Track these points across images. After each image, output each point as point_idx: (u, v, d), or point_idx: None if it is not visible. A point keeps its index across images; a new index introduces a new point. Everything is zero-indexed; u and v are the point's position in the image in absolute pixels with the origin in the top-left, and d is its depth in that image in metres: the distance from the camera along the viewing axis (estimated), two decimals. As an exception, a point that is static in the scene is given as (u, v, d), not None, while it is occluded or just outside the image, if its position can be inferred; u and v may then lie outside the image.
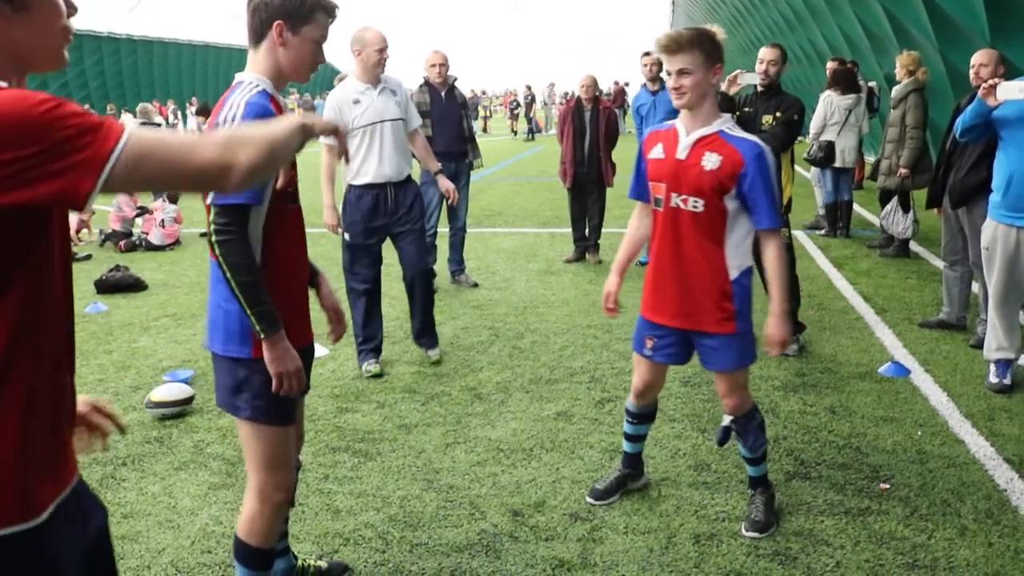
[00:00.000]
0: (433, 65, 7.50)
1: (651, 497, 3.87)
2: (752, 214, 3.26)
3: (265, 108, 2.51)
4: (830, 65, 10.69)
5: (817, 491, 3.89)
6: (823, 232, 10.26)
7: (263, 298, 2.49)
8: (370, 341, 5.72)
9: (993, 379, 5.09)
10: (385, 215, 5.50)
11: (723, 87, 5.66)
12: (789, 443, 4.40)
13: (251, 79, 2.60)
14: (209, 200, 2.49)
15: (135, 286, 8.23)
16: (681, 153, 3.27)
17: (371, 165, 5.42)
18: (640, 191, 3.53)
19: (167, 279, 8.77)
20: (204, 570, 3.38)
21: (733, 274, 3.32)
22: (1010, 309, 5.05)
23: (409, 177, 5.63)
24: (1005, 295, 5.01)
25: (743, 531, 3.53)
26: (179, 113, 36.52)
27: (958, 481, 3.96)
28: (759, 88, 5.77)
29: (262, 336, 2.52)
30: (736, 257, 3.33)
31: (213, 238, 2.49)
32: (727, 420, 3.59)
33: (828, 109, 9.74)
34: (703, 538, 3.52)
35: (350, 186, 5.53)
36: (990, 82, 4.60)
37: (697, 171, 3.23)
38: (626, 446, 3.89)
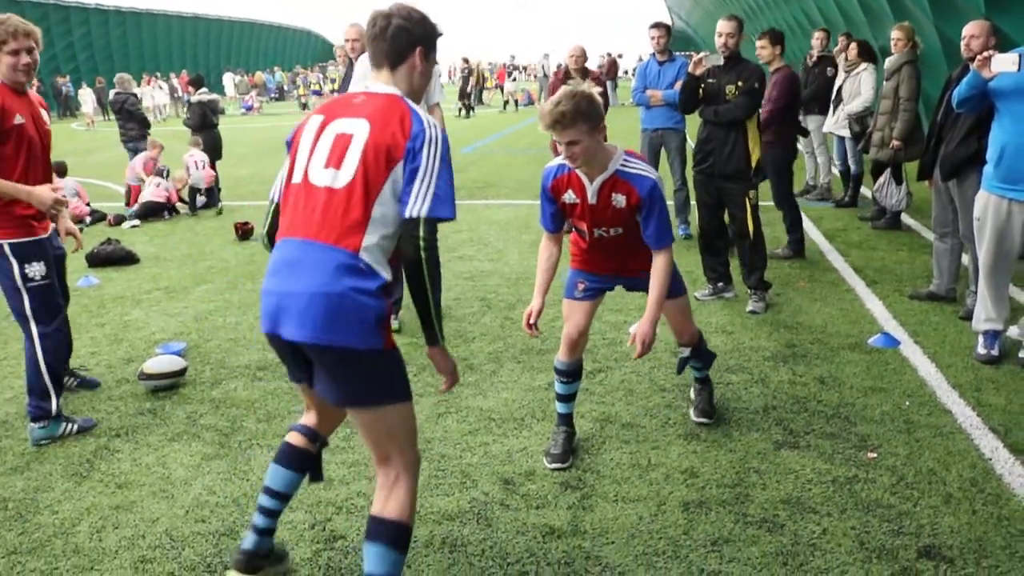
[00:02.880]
0: (347, 40, 6.98)
1: (641, 466, 3.91)
2: (644, 233, 3.62)
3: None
4: (844, 42, 10.54)
5: (805, 460, 3.94)
6: (834, 203, 10.25)
7: (440, 306, 2.70)
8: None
9: (981, 350, 5.13)
10: None
11: (689, 68, 6.25)
12: (778, 413, 4.44)
13: (409, 103, 2.68)
14: (417, 213, 2.53)
15: (127, 259, 8.23)
16: (592, 199, 3.63)
17: None
18: (551, 225, 3.83)
19: (159, 252, 8.76)
20: (198, 539, 3.41)
21: None
22: (999, 280, 5.08)
23: None
24: (995, 266, 5.04)
25: (692, 416, 4.36)
26: (165, 86, 36.06)
27: (944, 450, 4.00)
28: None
29: (439, 342, 2.73)
30: None
31: (423, 249, 2.55)
32: (684, 352, 4.23)
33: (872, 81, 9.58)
34: (692, 506, 3.56)
35: None
36: (984, 54, 4.61)
37: (610, 211, 3.64)
38: (560, 407, 4.11)
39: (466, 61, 33.95)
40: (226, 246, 8.99)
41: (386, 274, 2.59)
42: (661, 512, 3.52)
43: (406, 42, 2.68)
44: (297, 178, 2.66)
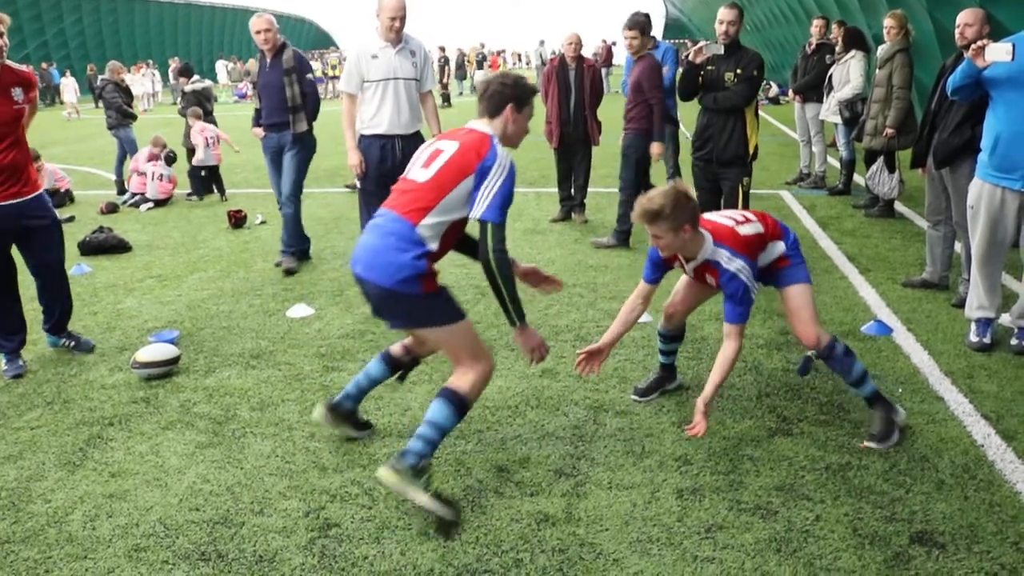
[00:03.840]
0: (258, 32, 6.95)
1: (635, 453, 3.92)
2: (725, 306, 3.91)
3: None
4: (837, 30, 10.54)
5: (799, 447, 3.95)
6: (828, 191, 10.27)
7: (518, 296, 3.49)
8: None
9: (973, 338, 5.15)
10: (392, 165, 5.83)
11: (691, 56, 6.32)
12: (772, 400, 4.45)
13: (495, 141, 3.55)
14: (480, 216, 3.39)
15: (119, 247, 8.19)
16: (689, 273, 4.12)
17: (382, 117, 5.80)
18: (651, 275, 4.16)
19: (151, 240, 8.73)
20: (192, 527, 3.41)
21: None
22: (992, 269, 5.09)
23: (418, 133, 5.99)
24: (987, 254, 5.05)
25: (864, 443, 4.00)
26: (157, 74, 35.80)
27: (936, 437, 4.02)
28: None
29: (516, 324, 3.53)
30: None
31: (491, 251, 3.38)
32: (809, 352, 4.19)
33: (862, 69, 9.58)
34: (686, 493, 3.57)
35: (361, 136, 5.91)
36: (979, 43, 4.61)
37: (702, 282, 4.12)
38: (660, 357, 4.59)
39: (442, 50, 33.80)
40: (219, 234, 8.96)
41: (432, 245, 3.43)
42: (655, 499, 3.53)
43: (500, 101, 3.58)
44: (407, 173, 3.62)
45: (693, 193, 3.81)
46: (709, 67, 6.31)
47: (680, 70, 7.08)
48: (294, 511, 3.51)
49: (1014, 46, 4.48)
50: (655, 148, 7.58)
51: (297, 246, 7.34)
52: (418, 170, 3.55)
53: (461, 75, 35.83)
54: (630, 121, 7.69)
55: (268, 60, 7.04)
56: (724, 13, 6.26)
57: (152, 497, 3.65)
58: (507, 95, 3.58)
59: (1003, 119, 4.80)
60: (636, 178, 7.79)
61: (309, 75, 7.11)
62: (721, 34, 6.26)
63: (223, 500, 3.61)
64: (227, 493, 3.67)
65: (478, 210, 3.40)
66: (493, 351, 5.19)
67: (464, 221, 3.52)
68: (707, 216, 4.03)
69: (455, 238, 3.58)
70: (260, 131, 7.30)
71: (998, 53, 4.49)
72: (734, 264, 3.81)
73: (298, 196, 7.26)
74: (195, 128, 11.19)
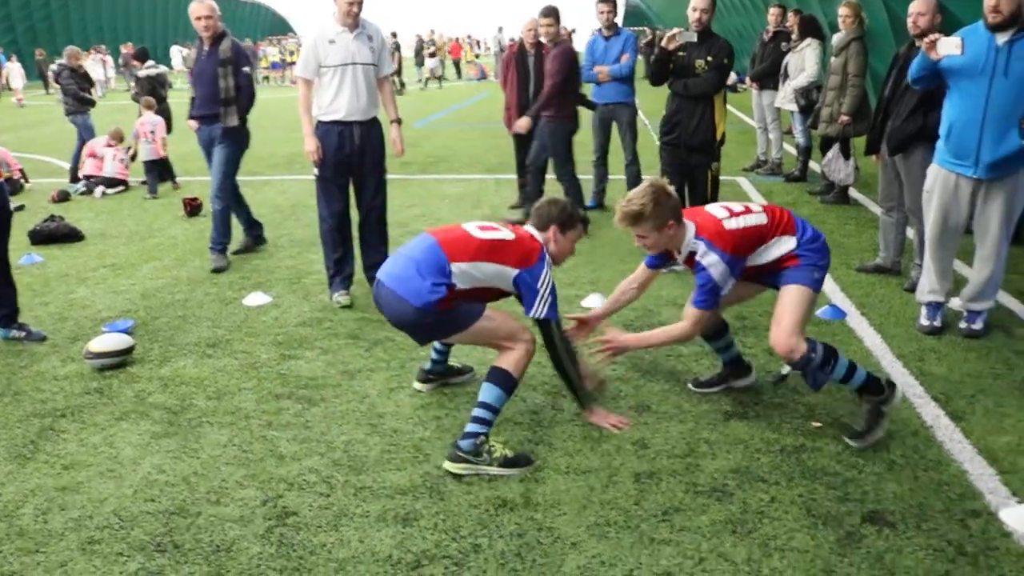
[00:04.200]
0: (198, 18, 6.74)
1: (593, 438, 3.94)
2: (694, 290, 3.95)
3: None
4: (795, 19, 10.60)
5: (754, 430, 4.00)
6: (784, 178, 10.36)
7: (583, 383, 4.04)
8: (341, 273, 6.00)
9: (924, 321, 5.25)
10: (351, 152, 5.79)
11: (663, 43, 6.41)
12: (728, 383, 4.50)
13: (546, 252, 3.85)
14: (539, 315, 3.74)
15: (71, 236, 8.05)
16: (682, 264, 4.08)
17: (340, 103, 5.71)
18: (654, 261, 4.25)
19: (104, 229, 8.59)
20: (147, 518, 3.37)
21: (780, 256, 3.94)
22: (944, 254, 5.18)
23: (375, 119, 5.91)
24: (940, 239, 5.14)
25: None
26: (109, 59, 35.06)
27: (888, 419, 4.08)
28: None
29: (587, 407, 4.06)
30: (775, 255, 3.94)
31: (551, 347, 3.82)
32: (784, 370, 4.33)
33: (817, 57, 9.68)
34: (643, 476, 3.60)
35: (319, 122, 5.80)
36: (931, 38, 4.74)
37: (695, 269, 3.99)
38: (718, 356, 4.52)
39: (394, 35, 33.60)
40: (175, 222, 8.84)
41: (458, 284, 3.68)
42: (612, 483, 3.56)
43: (546, 220, 3.93)
44: (464, 224, 3.93)
45: (670, 187, 3.84)
46: (680, 53, 6.39)
47: (640, 58, 7.18)
48: (251, 500, 3.48)
49: (963, 40, 4.63)
50: (521, 122, 7.91)
51: (226, 242, 7.13)
52: (473, 227, 3.86)
53: (419, 62, 35.61)
54: (546, 109, 7.85)
55: (206, 48, 6.83)
56: (697, 1, 6.33)
57: (106, 489, 3.60)
58: (552, 216, 3.92)
59: (957, 107, 4.89)
60: (570, 163, 7.96)
61: (246, 68, 6.92)
62: (694, 22, 6.35)
63: (179, 490, 3.58)
64: (183, 483, 3.63)
65: (539, 311, 3.72)
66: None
67: (491, 294, 3.84)
68: (706, 208, 4.02)
69: (484, 297, 3.84)
70: (194, 123, 7.10)
71: (949, 47, 4.65)
72: (707, 258, 3.79)
73: (227, 192, 7.06)
74: (137, 121, 10.99)
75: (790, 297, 3.80)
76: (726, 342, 4.41)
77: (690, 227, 3.87)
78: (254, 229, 7.54)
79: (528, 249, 3.79)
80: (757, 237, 3.85)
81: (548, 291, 3.73)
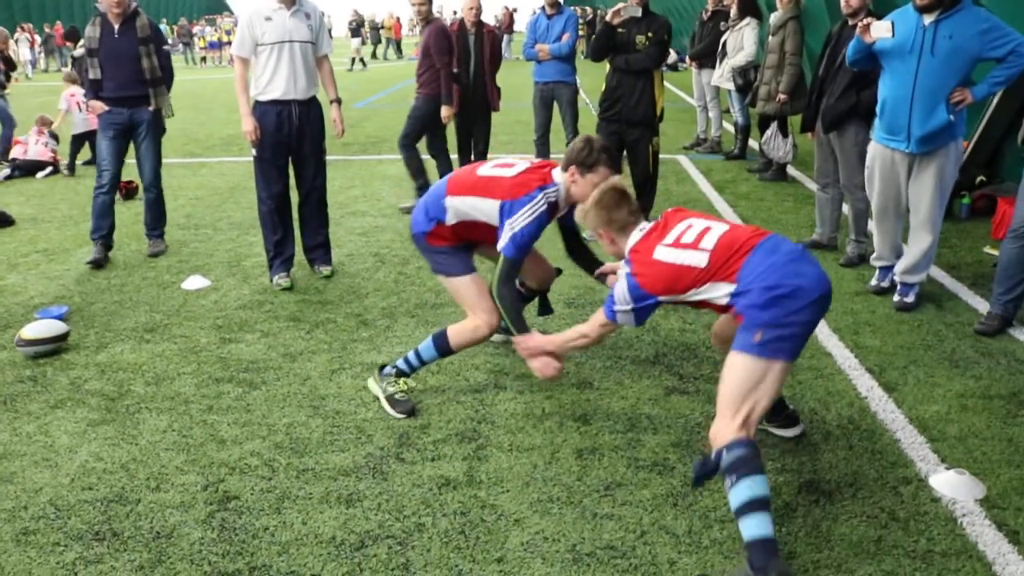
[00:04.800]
0: None
1: (535, 415, 3.97)
2: None
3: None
4: None
5: (695, 404, 4.06)
6: (724, 156, 10.47)
7: (521, 320, 3.88)
8: (281, 255, 5.91)
9: (873, 282, 5.61)
10: (289, 132, 5.70)
11: (608, 18, 6.47)
12: (669, 360, 4.55)
13: (556, 188, 3.84)
14: (499, 248, 3.80)
15: (1, 221, 7.82)
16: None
17: (277, 82, 5.62)
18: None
19: (36, 213, 8.36)
20: (85, 507, 3.31)
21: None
22: (888, 222, 5.42)
23: (314, 98, 5.82)
24: (883, 209, 5.37)
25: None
26: (35, 40, 33.85)
27: (824, 391, 4.19)
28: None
29: (515, 334, 3.86)
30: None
31: (497, 286, 3.84)
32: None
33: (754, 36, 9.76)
34: (585, 452, 3.64)
35: (256, 102, 5.69)
36: (864, 21, 4.92)
37: None
38: None
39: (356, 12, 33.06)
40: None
41: (447, 219, 3.92)
42: (555, 459, 3.59)
43: (567, 160, 3.80)
44: (487, 162, 4.08)
45: (624, 193, 3.43)
46: (621, 30, 6.47)
47: (581, 36, 7.21)
48: (192, 485, 3.44)
49: (893, 24, 4.81)
50: (444, 111, 7.87)
51: (163, 227, 6.96)
52: (488, 164, 4.00)
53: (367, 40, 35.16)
54: (421, 86, 7.93)
55: (116, 26, 6.33)
56: None
57: (41, 478, 3.53)
58: (571, 156, 3.78)
59: (889, 86, 5.07)
60: (419, 138, 8.11)
61: (166, 46, 6.68)
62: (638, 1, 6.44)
63: (117, 478, 3.52)
64: (122, 470, 3.57)
65: (502, 243, 3.76)
66: (394, 318, 5.17)
67: (482, 232, 3.93)
68: (669, 220, 3.35)
69: (475, 234, 3.97)
70: (100, 105, 6.46)
71: (881, 30, 4.84)
72: (619, 284, 3.31)
73: (160, 177, 6.83)
74: (65, 93, 10.67)
75: (726, 369, 3.04)
76: None
77: (630, 242, 3.36)
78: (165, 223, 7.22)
79: (519, 183, 3.79)
80: (686, 278, 3.16)
81: (520, 227, 3.72)
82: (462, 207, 3.88)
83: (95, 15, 6.42)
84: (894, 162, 5.15)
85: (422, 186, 8.01)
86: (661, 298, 3.24)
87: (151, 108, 6.50)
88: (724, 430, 2.90)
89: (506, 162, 4.00)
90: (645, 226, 3.38)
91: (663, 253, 3.20)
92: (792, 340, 2.98)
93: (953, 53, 4.77)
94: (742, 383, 2.95)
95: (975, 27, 4.73)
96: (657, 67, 6.53)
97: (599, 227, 3.43)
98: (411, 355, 4.09)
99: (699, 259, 3.13)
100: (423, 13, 7.90)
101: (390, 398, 4.03)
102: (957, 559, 2.92)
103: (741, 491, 2.74)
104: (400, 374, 4.08)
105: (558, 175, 3.85)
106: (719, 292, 3.11)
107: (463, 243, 4.05)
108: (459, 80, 8.45)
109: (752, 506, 2.72)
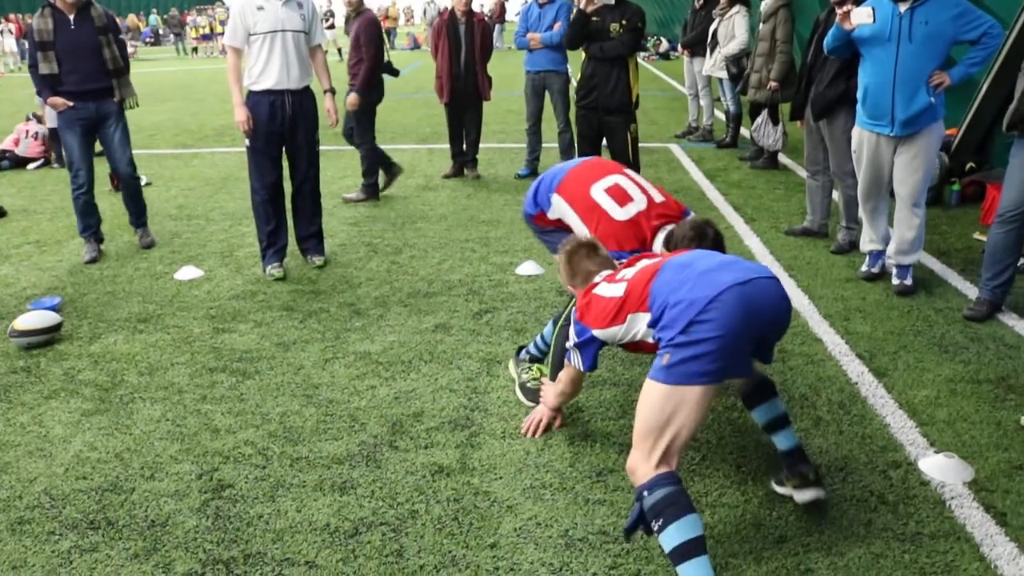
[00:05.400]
0: None
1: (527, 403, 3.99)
2: None
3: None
4: None
5: (686, 391, 4.08)
6: (716, 144, 10.48)
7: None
8: (274, 245, 5.91)
9: (864, 268, 5.62)
10: (283, 122, 5.69)
11: (580, 5, 6.55)
12: (660, 347, 4.58)
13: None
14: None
15: (-8, 213, 7.81)
16: None
17: (270, 72, 5.61)
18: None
19: (28, 204, 8.35)
20: (79, 496, 3.33)
21: None
22: (874, 207, 5.47)
23: (308, 88, 5.80)
24: (869, 193, 5.43)
25: None
26: (11, 34, 33.51)
27: (815, 376, 4.22)
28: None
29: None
30: None
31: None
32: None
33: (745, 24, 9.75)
34: (577, 439, 3.66)
35: (249, 92, 5.68)
36: (844, 9, 5.02)
37: None
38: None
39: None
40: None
41: (550, 213, 4.06)
42: (548, 447, 3.61)
43: (671, 242, 3.55)
44: (604, 177, 4.01)
45: (593, 249, 3.41)
46: (595, 18, 6.51)
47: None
48: (186, 474, 3.46)
49: (873, 9, 4.92)
50: (351, 98, 7.84)
51: (146, 216, 6.90)
52: (600, 188, 3.88)
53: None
54: (353, 77, 7.91)
55: (71, 17, 6.04)
56: None
57: (36, 468, 3.54)
58: (677, 241, 3.51)
59: (870, 72, 5.15)
60: (371, 133, 8.08)
61: (121, 35, 6.50)
62: None
63: (112, 467, 3.53)
64: (116, 460, 3.59)
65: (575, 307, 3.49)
66: (386, 307, 5.19)
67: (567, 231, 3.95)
68: (633, 263, 3.27)
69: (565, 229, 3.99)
70: (62, 101, 6.13)
71: (861, 16, 4.96)
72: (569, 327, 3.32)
73: (136, 167, 6.74)
74: None
75: (640, 396, 2.82)
76: (773, 415, 3.23)
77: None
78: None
79: (618, 233, 3.73)
80: (608, 310, 3.04)
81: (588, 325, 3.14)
82: (563, 209, 3.97)
83: (43, 6, 6.08)
84: (879, 146, 5.22)
85: (372, 184, 8.06)
86: (596, 334, 3.08)
87: (116, 100, 6.31)
88: (642, 465, 2.71)
89: (623, 189, 3.85)
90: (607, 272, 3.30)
91: (600, 288, 3.15)
92: (709, 360, 2.64)
93: (930, 38, 4.90)
94: (656, 414, 2.70)
95: (948, 12, 4.87)
96: (632, 53, 6.59)
97: (567, 283, 3.48)
98: (538, 339, 4.16)
99: (618, 290, 3.03)
100: (354, 4, 7.84)
101: (523, 386, 4.06)
102: (945, 541, 2.95)
103: (672, 536, 2.56)
104: (533, 360, 4.15)
105: (658, 245, 3.65)
106: (641, 324, 2.92)
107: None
108: (451, 69, 8.46)
109: (687, 551, 2.54)
